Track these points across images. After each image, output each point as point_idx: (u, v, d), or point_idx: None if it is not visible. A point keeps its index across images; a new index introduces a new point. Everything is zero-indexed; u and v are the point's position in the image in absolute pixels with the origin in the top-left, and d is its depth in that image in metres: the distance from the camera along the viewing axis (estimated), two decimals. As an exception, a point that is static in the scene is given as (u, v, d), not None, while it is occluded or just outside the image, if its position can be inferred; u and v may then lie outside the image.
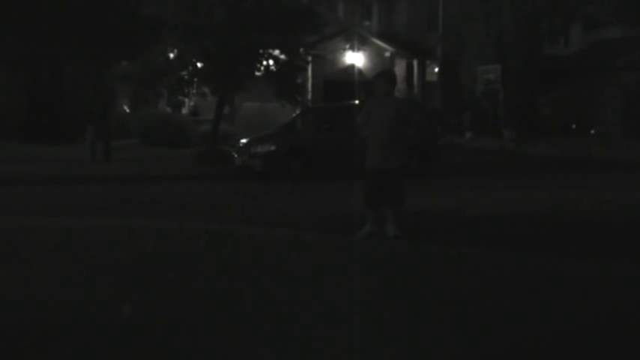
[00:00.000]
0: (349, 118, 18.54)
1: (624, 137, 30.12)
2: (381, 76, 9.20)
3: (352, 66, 33.22)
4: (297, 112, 23.73)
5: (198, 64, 22.95)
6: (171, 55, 23.43)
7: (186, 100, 27.11)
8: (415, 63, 35.92)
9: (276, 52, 23.44)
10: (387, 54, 34.60)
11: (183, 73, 23.08)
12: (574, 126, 32.13)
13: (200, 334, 5.01)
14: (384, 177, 8.76)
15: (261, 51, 22.97)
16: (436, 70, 36.16)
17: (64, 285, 6.36)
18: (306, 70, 28.50)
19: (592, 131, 31.60)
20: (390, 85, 9.10)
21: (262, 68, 23.29)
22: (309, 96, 30.19)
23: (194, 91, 23.83)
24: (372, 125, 8.86)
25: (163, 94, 24.66)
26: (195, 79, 23.19)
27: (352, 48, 33.58)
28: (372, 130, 8.86)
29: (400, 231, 8.68)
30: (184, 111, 30.51)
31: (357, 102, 21.65)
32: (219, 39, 21.79)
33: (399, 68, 35.05)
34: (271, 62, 23.42)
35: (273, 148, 18.20)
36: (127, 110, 30.39)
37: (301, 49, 24.59)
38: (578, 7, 35.13)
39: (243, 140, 19.62)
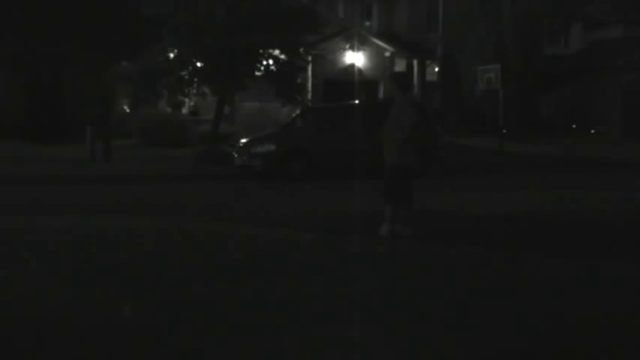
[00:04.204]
0: (349, 118, 18.58)
1: (624, 137, 30.14)
2: (387, 77, 9.45)
3: (352, 66, 33.22)
4: (297, 112, 23.73)
5: (198, 64, 22.95)
6: (171, 55, 23.42)
7: (186, 100, 27.08)
8: (415, 63, 35.92)
9: (276, 52, 23.43)
10: (387, 54, 34.59)
11: (183, 73, 23.07)
12: (574, 126, 32.13)
13: (200, 333, 5.02)
14: (386, 173, 8.80)
15: (261, 51, 22.97)
16: (436, 70, 36.16)
17: (64, 285, 6.36)
18: (306, 70, 28.51)
19: (592, 131, 31.61)
20: (393, 85, 9.19)
21: (262, 68, 23.28)
22: (309, 96, 30.17)
23: (194, 91, 23.82)
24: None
25: (163, 94, 24.64)
26: (195, 79, 23.18)
27: (352, 48, 33.57)
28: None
29: (412, 231, 8.65)
30: (184, 111, 30.49)
31: (357, 102, 21.66)
32: (219, 39, 21.78)
33: (399, 68, 35.05)
34: (271, 62, 23.42)
35: (273, 148, 18.20)
36: (127, 110, 30.37)
37: (301, 49, 24.59)
38: (578, 7, 35.17)
39: (243, 140, 19.61)
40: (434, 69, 36.36)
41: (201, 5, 21.75)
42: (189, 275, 6.75)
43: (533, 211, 11.24)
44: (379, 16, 37.08)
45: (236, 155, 19.03)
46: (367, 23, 36.88)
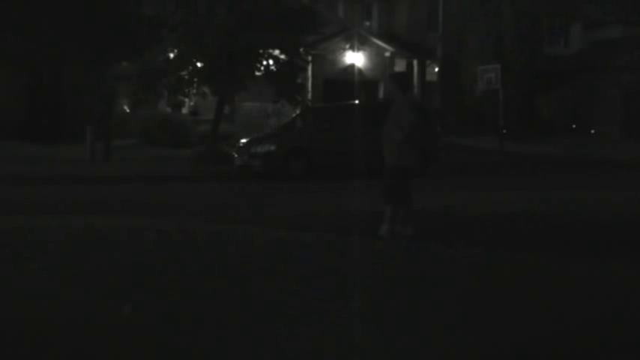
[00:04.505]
0: (349, 118, 18.59)
1: (624, 137, 30.14)
2: (387, 78, 9.50)
3: (352, 66, 33.22)
4: (297, 111, 23.75)
5: (198, 64, 22.96)
6: (171, 55, 23.44)
7: (186, 100, 27.10)
8: (415, 63, 35.93)
9: (276, 52, 23.45)
10: (387, 54, 34.60)
11: (183, 73, 23.09)
12: (574, 126, 32.14)
13: (200, 333, 5.02)
14: (386, 173, 8.81)
15: (261, 51, 22.99)
16: (436, 70, 36.16)
17: (64, 285, 6.36)
18: (306, 70, 28.52)
19: (592, 131, 31.61)
20: (393, 85, 9.21)
21: (262, 68, 23.30)
22: (309, 96, 30.18)
23: (194, 91, 23.84)
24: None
25: (163, 94, 24.66)
26: (195, 79, 23.20)
27: (352, 48, 33.58)
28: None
29: (412, 231, 8.66)
30: (184, 111, 30.51)
31: (357, 102, 21.67)
32: (219, 39, 21.80)
33: (399, 68, 35.07)
34: (271, 62, 23.44)
35: (273, 148, 18.22)
36: (127, 110, 30.39)
37: (301, 49, 24.61)
38: (578, 7, 35.19)
39: (243, 140, 19.62)
40: (434, 69, 36.37)
41: (201, 5, 21.76)
42: (189, 275, 6.74)
43: (533, 211, 11.24)
44: (379, 16, 37.09)
45: (236, 155, 19.06)
46: (367, 23, 36.88)
